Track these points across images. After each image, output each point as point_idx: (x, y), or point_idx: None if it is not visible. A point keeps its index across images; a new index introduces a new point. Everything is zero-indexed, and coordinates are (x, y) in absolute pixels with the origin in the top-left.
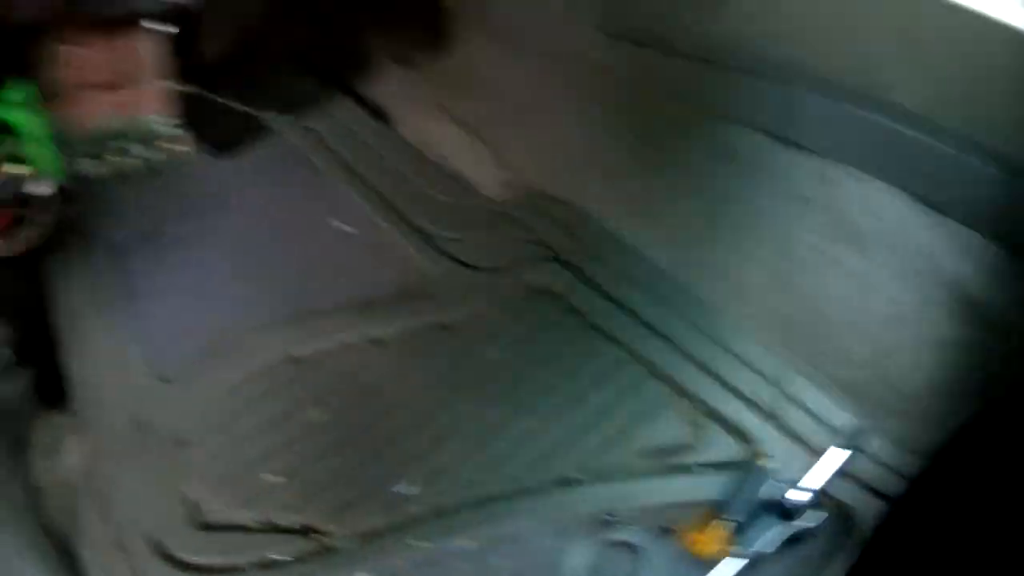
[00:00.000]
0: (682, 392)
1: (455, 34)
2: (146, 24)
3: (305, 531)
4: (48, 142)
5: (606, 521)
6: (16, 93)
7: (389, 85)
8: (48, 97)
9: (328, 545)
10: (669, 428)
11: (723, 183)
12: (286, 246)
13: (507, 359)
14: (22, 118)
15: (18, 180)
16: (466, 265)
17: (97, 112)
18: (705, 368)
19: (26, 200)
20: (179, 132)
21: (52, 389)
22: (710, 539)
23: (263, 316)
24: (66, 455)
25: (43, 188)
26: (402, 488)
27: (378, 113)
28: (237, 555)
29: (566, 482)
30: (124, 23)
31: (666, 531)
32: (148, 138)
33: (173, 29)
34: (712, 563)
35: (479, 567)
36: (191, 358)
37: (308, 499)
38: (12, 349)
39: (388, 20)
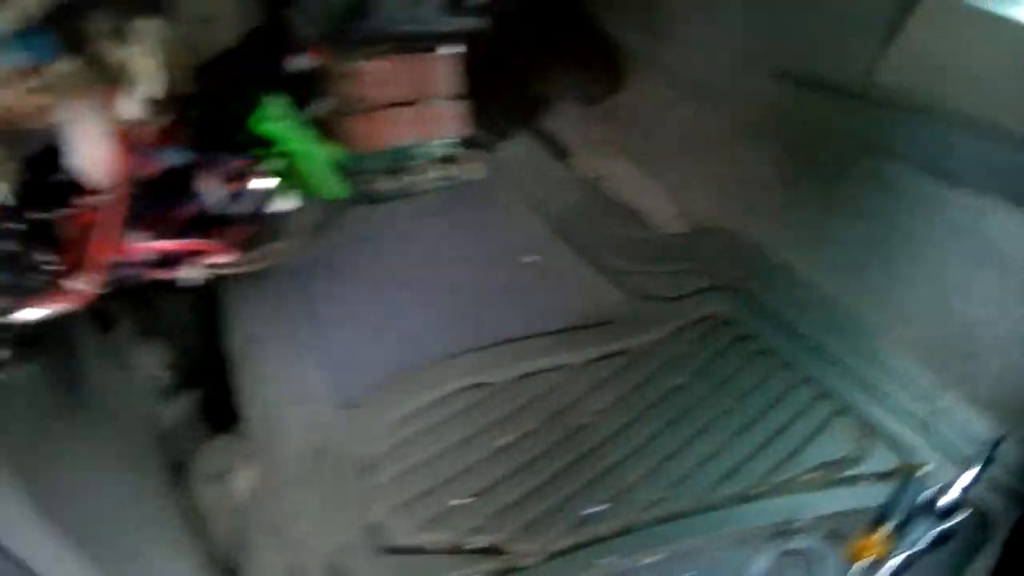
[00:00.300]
0: (847, 410)
1: (630, 73)
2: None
3: (491, 551)
4: (323, 159)
5: (781, 532)
6: (276, 108)
7: (567, 122)
8: (341, 114)
9: (514, 565)
10: (836, 444)
11: (882, 214)
12: (469, 277)
13: (687, 384)
14: (286, 133)
15: (262, 196)
16: (645, 295)
17: (392, 131)
18: (867, 387)
19: (265, 217)
20: (469, 152)
21: (220, 414)
22: (874, 543)
23: (446, 343)
24: (235, 480)
25: (285, 205)
26: (589, 508)
27: (557, 149)
28: None
29: (745, 498)
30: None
31: (835, 538)
32: (440, 157)
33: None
34: (877, 565)
35: None
36: (374, 384)
37: (494, 520)
38: (174, 373)
39: (567, 60)
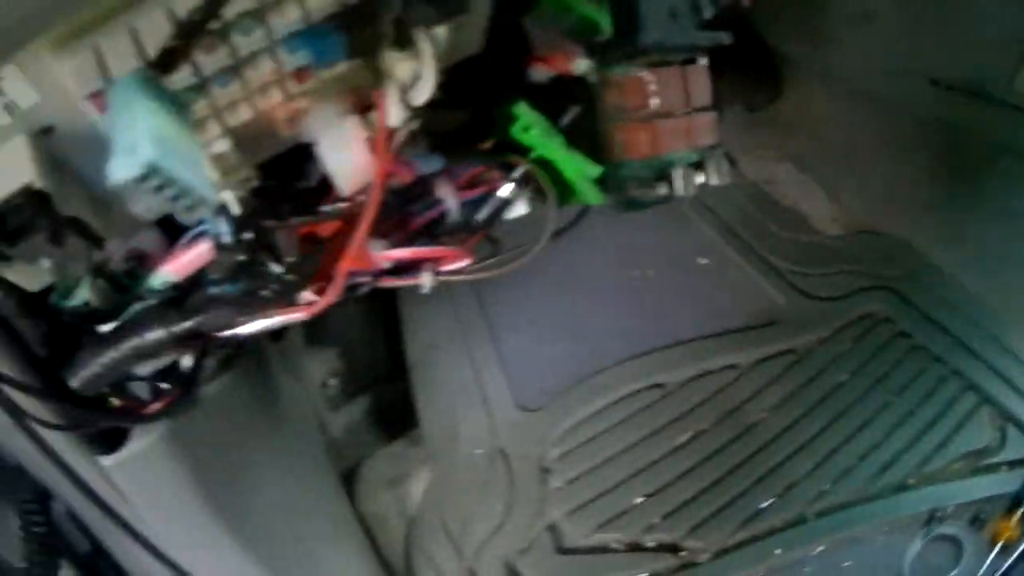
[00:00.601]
0: (988, 401)
1: (791, 80)
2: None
3: (666, 549)
4: (578, 167)
5: (931, 519)
6: (527, 115)
7: (732, 129)
8: (600, 123)
9: (689, 561)
10: (980, 434)
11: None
12: (645, 280)
13: (848, 380)
14: (539, 140)
15: (501, 203)
16: (808, 295)
17: (653, 141)
18: (1007, 379)
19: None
20: (723, 162)
21: (392, 420)
22: (1012, 526)
23: (623, 346)
24: (409, 486)
25: (522, 211)
26: (759, 503)
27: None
28: None
29: (901, 488)
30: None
31: (978, 523)
32: (693, 163)
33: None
34: (1016, 545)
35: (828, 568)
36: (553, 387)
37: (669, 519)
38: (343, 380)
39: (730, 68)
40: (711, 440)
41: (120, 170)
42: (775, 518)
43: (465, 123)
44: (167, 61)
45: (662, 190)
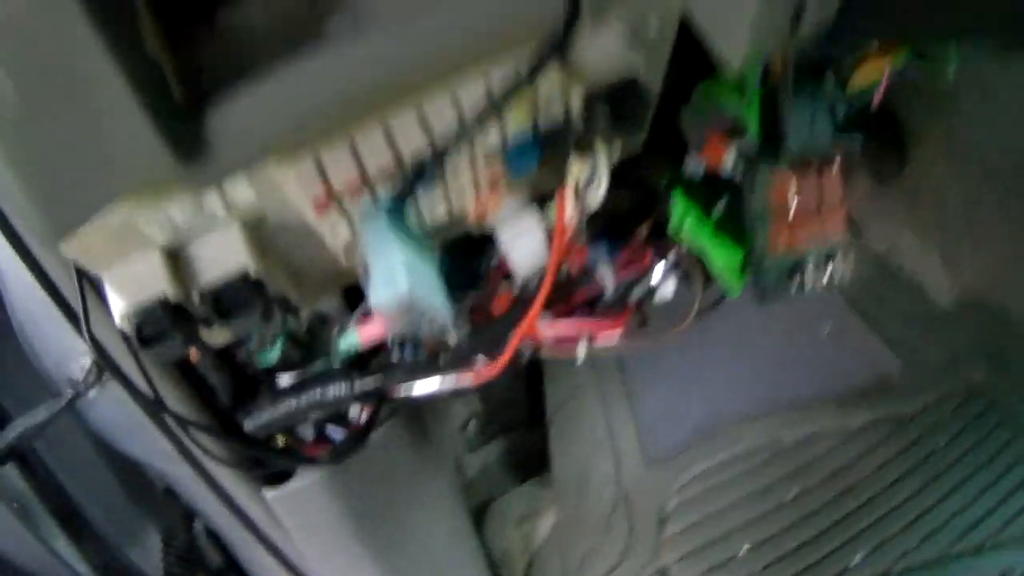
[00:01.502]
0: None
1: (917, 151)
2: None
3: None
4: (727, 257)
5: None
6: (683, 204)
7: (859, 198)
8: (749, 217)
9: None
10: None
11: None
12: (771, 343)
13: (944, 447)
14: (692, 229)
15: (655, 283)
16: (917, 363)
17: (795, 236)
18: None
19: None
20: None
21: (526, 463)
22: None
23: (746, 405)
24: (536, 524)
25: (671, 292)
26: (851, 560)
27: (851, 224)
28: None
29: (979, 549)
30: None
31: None
32: (826, 256)
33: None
34: None
35: None
36: (678, 442)
37: (770, 569)
38: (480, 424)
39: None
40: (815, 498)
41: (382, 298)
42: (862, 573)
43: (627, 207)
44: (405, 194)
45: (795, 285)
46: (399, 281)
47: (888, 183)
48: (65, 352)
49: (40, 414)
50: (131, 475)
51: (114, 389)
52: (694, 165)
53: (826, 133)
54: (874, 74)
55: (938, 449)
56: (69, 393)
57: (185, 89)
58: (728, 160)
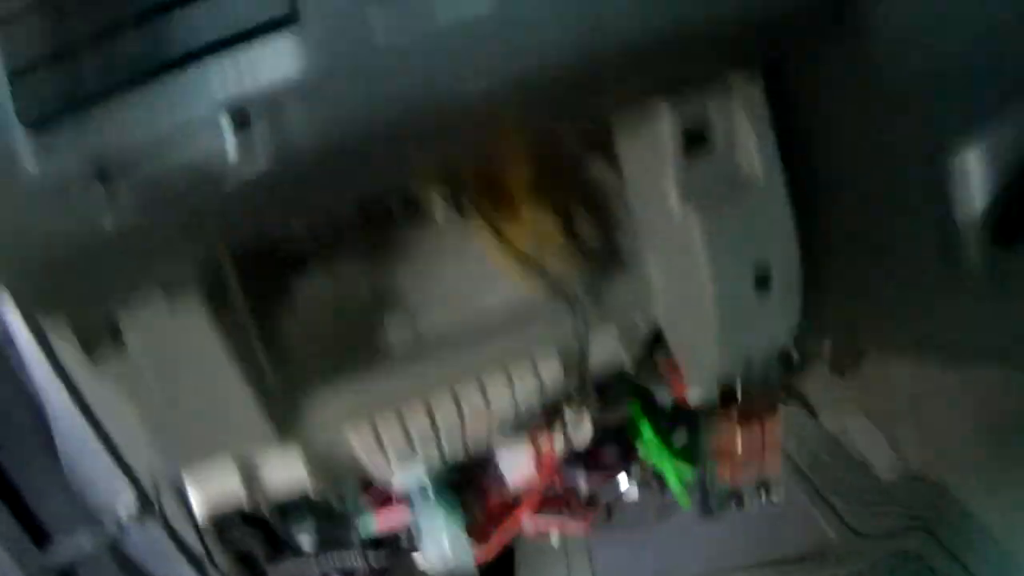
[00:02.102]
0: None
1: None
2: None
3: None
4: (680, 476)
5: None
6: (648, 428)
7: (817, 384)
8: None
9: None
10: None
11: None
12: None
13: None
14: (652, 449)
15: (620, 487)
16: (855, 532)
17: (733, 474)
18: None
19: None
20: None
21: None
22: None
23: (697, 564)
24: None
25: (632, 494)
26: None
27: (808, 407)
28: None
29: None
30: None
31: None
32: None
33: None
34: None
35: None
36: None
37: None
38: None
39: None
40: None
41: (433, 562)
42: None
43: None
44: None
45: (733, 505)
46: (447, 556)
47: (844, 376)
48: (110, 485)
49: (84, 541)
50: None
51: (154, 529)
52: (662, 396)
53: (776, 382)
54: None
55: None
56: (113, 529)
57: (279, 378)
58: (692, 393)
